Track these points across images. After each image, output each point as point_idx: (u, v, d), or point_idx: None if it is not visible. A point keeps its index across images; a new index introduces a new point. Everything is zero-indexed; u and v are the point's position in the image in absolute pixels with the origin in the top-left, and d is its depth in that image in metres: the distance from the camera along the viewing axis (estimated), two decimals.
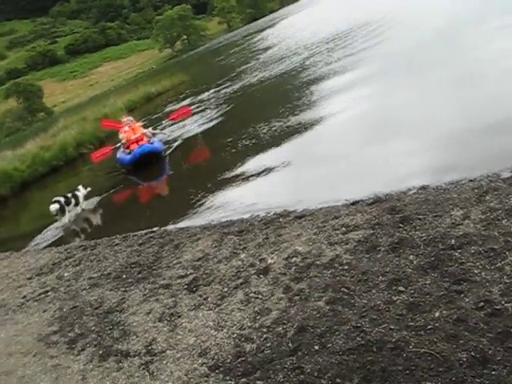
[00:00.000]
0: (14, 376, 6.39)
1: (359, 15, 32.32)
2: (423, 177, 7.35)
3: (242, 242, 7.53)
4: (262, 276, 6.26)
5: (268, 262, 6.52)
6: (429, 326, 4.30)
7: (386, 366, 4.06)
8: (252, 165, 11.81)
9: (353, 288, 5.22)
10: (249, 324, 5.41)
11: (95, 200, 15.10)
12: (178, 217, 10.42)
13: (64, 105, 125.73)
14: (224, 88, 29.20)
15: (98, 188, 15.34)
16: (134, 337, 6.17)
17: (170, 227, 9.83)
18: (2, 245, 14.28)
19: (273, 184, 10.14)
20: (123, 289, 7.64)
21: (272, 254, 6.72)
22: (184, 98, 33.14)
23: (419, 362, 3.99)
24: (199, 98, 29.82)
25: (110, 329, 6.60)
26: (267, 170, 10.87)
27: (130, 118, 19.48)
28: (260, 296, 5.83)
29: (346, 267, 5.65)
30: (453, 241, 5.32)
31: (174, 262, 7.81)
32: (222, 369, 4.92)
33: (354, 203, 7.39)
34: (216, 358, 5.11)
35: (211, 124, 20.04)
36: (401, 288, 4.92)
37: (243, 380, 4.64)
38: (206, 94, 30.13)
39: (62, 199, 14.00)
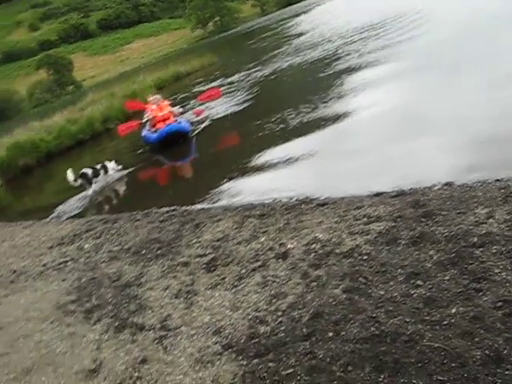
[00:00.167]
0: (31, 340, 6.50)
1: (397, 6, 31.81)
2: (449, 173, 7.28)
3: (263, 225, 7.55)
4: (280, 260, 6.28)
5: (287, 246, 6.54)
6: (444, 322, 4.29)
7: (399, 358, 4.06)
8: (278, 151, 11.75)
9: (371, 278, 5.22)
10: (264, 307, 5.44)
11: (122, 174, 15.16)
12: (201, 197, 10.45)
13: (93, 79, 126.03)
14: (254, 72, 29.05)
15: (123, 164, 15.36)
16: (150, 311, 6.24)
17: (192, 207, 9.87)
18: (26, 213, 14.45)
19: (297, 171, 10.12)
20: (142, 264, 7.72)
21: (292, 239, 6.73)
22: (213, 80, 33.04)
23: (432, 356, 3.98)
24: (229, 80, 29.71)
25: (127, 302, 6.68)
26: (292, 158, 10.81)
27: (158, 96, 19.33)
28: (277, 280, 5.86)
29: (365, 257, 5.65)
30: (475, 239, 5.28)
31: (194, 240, 7.86)
32: (234, 348, 4.95)
33: (377, 194, 7.37)
34: (230, 337, 5.15)
35: (240, 107, 19.95)
36: (419, 282, 4.90)
37: (255, 361, 4.67)
38: (236, 76, 29.99)
39: (89, 171, 14.13)
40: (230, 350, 4.96)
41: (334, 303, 5.03)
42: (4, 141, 25.16)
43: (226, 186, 10.73)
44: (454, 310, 4.38)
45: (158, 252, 7.93)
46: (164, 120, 17.50)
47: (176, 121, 17.35)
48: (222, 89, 24.15)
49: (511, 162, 7.06)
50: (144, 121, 18.49)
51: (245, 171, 11.20)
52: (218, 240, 7.56)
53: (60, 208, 13.77)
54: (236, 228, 7.79)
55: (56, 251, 9.66)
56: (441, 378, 3.77)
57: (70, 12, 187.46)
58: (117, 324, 6.21)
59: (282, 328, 4.96)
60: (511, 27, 14.95)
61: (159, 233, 8.71)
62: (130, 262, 7.97)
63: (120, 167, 15.06)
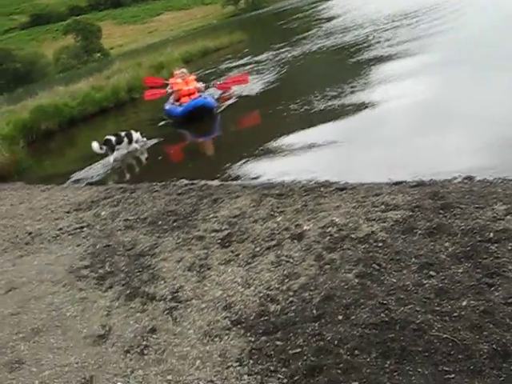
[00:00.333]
0: (42, 302, 6.58)
1: None
2: (470, 168, 7.25)
3: (281, 205, 7.57)
4: (295, 241, 6.30)
5: (303, 228, 6.55)
6: (454, 314, 4.30)
7: (406, 346, 4.08)
8: (301, 134, 11.72)
9: (384, 265, 5.24)
10: (276, 285, 5.48)
11: (145, 144, 15.19)
12: (220, 173, 10.50)
13: (121, 48, 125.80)
14: (283, 52, 28.87)
15: (146, 135, 15.39)
16: (162, 282, 6.30)
17: (211, 182, 9.88)
18: (45, 177, 14.52)
19: (318, 155, 10.07)
20: (157, 234, 7.77)
21: (308, 221, 6.74)
22: (241, 57, 32.95)
23: (440, 346, 4.00)
24: (257, 58, 29.57)
25: (140, 271, 6.74)
26: (315, 142, 10.75)
27: (184, 70, 19.25)
28: (291, 260, 5.88)
29: (380, 244, 5.66)
30: (491, 234, 5.27)
31: (211, 215, 7.89)
32: (244, 324, 5.00)
33: (396, 183, 7.36)
34: (240, 313, 5.20)
35: (266, 86, 19.86)
36: (432, 272, 4.91)
37: (263, 338, 4.71)
38: (265, 55, 29.83)
39: (113, 138, 14.18)
40: (238, 325, 5.01)
41: (345, 287, 5.06)
42: (28, 103, 25.25)
43: (247, 164, 10.74)
44: (464, 303, 4.39)
45: (174, 224, 7.98)
46: (189, 94, 17.43)
47: (201, 96, 17.26)
48: (249, 67, 24.11)
49: None
50: (169, 90, 18.47)
51: (266, 152, 11.19)
52: (234, 216, 7.60)
53: (79, 174, 13.84)
54: (253, 206, 7.82)
55: (72, 216, 9.74)
56: (446, 369, 3.79)
57: None
58: (128, 292, 6.28)
59: (293, 308, 5.00)
60: None
61: (176, 205, 8.76)
62: (145, 231, 8.03)
63: (145, 139, 15.10)
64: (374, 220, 6.27)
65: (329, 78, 17.31)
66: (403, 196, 6.75)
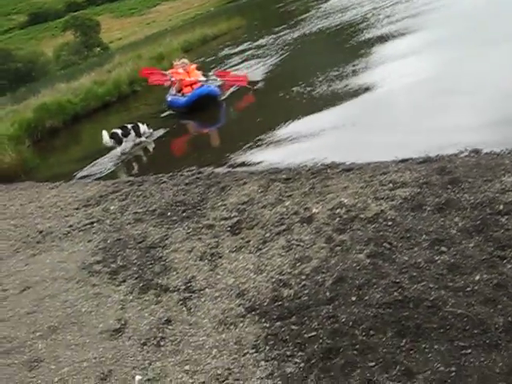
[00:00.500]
0: (57, 300, 6.62)
1: None
2: (476, 139, 7.20)
3: (288, 189, 7.57)
4: (305, 224, 6.30)
5: (312, 211, 6.55)
6: (468, 288, 4.30)
7: (421, 323, 4.09)
8: (305, 117, 11.63)
9: (395, 244, 5.23)
10: (288, 270, 5.49)
11: (151, 134, 15.17)
12: (227, 161, 10.46)
13: (120, 41, 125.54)
14: (283, 35, 28.64)
15: (151, 127, 15.37)
16: (175, 273, 6.32)
17: (218, 170, 9.88)
18: (52, 175, 14.53)
19: (323, 138, 9.97)
20: (167, 226, 7.79)
21: (317, 203, 6.74)
22: (240, 43, 32.81)
23: (455, 322, 4.01)
24: (256, 43, 29.40)
25: (152, 263, 6.77)
26: (319, 125, 10.67)
27: (185, 60, 18.99)
28: (302, 244, 5.89)
29: (389, 223, 5.66)
30: (501, 206, 5.26)
31: (219, 203, 7.90)
32: (258, 311, 5.02)
33: (403, 161, 7.31)
34: (253, 300, 5.22)
35: (268, 71, 19.68)
36: (443, 248, 4.91)
37: (278, 323, 4.73)
38: (264, 40, 29.63)
39: (119, 131, 14.17)
40: (253, 312, 5.03)
41: (357, 268, 5.06)
42: (31, 102, 25.26)
43: (253, 150, 10.68)
44: (477, 277, 4.38)
45: (183, 214, 7.99)
46: (191, 85, 17.23)
47: (203, 85, 17.13)
48: (249, 53, 23.94)
49: None
50: (170, 77, 18.38)
51: (271, 137, 11.08)
52: (243, 203, 7.60)
53: (87, 169, 13.83)
54: (261, 192, 7.81)
55: (82, 212, 9.76)
56: (462, 344, 3.80)
57: None
58: (141, 285, 6.31)
59: (306, 291, 5.01)
60: None
61: (184, 195, 8.76)
62: (155, 223, 8.04)
63: (151, 131, 15.09)
64: (382, 199, 6.26)
65: (330, 60, 17.11)
66: (410, 173, 6.72)
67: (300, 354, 4.28)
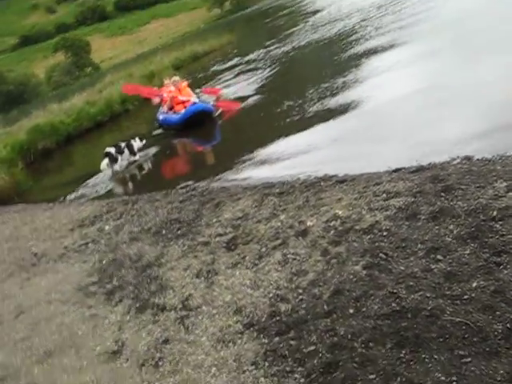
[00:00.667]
0: (53, 323, 6.58)
1: None
2: (468, 147, 7.21)
3: (282, 203, 7.54)
4: (300, 238, 6.27)
5: (307, 224, 6.52)
6: (465, 296, 4.27)
7: (420, 333, 4.05)
8: (297, 132, 11.50)
9: (391, 254, 5.20)
10: (285, 284, 5.45)
11: (147, 154, 15.17)
12: (221, 176, 10.46)
13: (111, 61, 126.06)
14: (272, 50, 28.77)
15: (145, 145, 15.39)
16: (171, 291, 6.28)
17: (212, 186, 9.88)
18: (46, 196, 14.54)
19: (316, 151, 9.92)
20: (162, 244, 7.76)
21: (311, 216, 6.71)
22: (231, 59, 32.95)
23: (454, 330, 3.97)
24: (246, 58, 29.54)
25: (148, 282, 6.73)
26: (312, 139, 10.69)
27: (177, 77, 18.89)
28: (298, 257, 5.86)
29: (385, 233, 5.63)
30: (495, 212, 5.23)
31: (214, 220, 7.87)
32: (256, 327, 4.98)
33: (396, 170, 7.30)
34: (251, 316, 5.17)
35: (259, 86, 19.63)
36: (439, 256, 4.88)
37: (277, 339, 4.69)
38: (254, 54, 29.74)
39: (112, 150, 14.15)
40: (251, 328, 4.99)
41: (354, 280, 5.03)
42: (23, 124, 25.39)
43: (246, 166, 10.68)
44: (474, 284, 4.35)
45: (179, 232, 7.96)
46: (183, 102, 17.15)
47: (195, 102, 16.98)
48: (239, 68, 23.99)
49: None
50: (157, 102, 18.38)
51: (265, 152, 11.05)
52: (237, 219, 7.57)
53: (80, 189, 13.88)
54: (256, 206, 7.79)
55: (77, 233, 9.74)
56: (462, 353, 3.76)
57: None
58: (138, 305, 6.27)
59: (303, 305, 4.97)
60: None
61: (179, 213, 8.74)
62: (150, 242, 8.01)
63: (144, 142, 15.10)
64: (376, 209, 6.23)
65: (320, 73, 17.06)
66: (404, 182, 6.71)
67: (300, 369, 4.24)
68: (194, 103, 16.75)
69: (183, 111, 16.53)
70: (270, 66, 23.32)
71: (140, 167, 14.49)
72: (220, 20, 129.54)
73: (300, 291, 5.21)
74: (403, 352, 3.96)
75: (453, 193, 5.93)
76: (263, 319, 5.03)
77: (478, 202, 5.55)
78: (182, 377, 4.74)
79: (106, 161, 13.92)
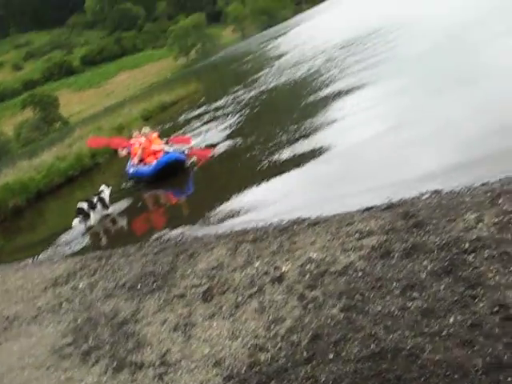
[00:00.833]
0: None
1: (369, 22, 31.94)
2: (436, 181, 7.28)
3: (257, 250, 7.51)
4: (276, 284, 6.24)
5: (282, 269, 6.50)
6: (443, 332, 4.26)
7: (401, 374, 4.02)
8: (269, 178, 11.46)
9: (367, 295, 5.19)
10: (263, 333, 5.39)
11: (116, 207, 15.06)
12: (194, 226, 10.39)
13: (80, 115, 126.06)
14: (240, 95, 29.05)
15: (116, 197, 15.30)
16: (149, 348, 6.17)
17: (185, 236, 9.82)
18: (17, 256, 14.35)
19: (288, 196, 9.88)
20: (138, 299, 7.65)
21: (286, 261, 6.69)
22: (199, 106, 33.12)
23: (434, 369, 3.95)
24: (215, 105, 29.75)
25: (125, 340, 6.62)
26: (283, 184, 10.77)
27: (147, 128, 18.61)
28: (274, 304, 5.81)
29: (360, 274, 5.62)
30: (466, 245, 5.28)
31: (189, 271, 7.80)
32: (236, 379, 4.90)
33: (367, 209, 7.35)
34: (230, 368, 5.09)
35: (228, 133, 19.61)
36: (415, 294, 4.88)
37: None
38: (222, 101, 29.98)
39: (85, 205, 14.02)
40: (231, 381, 4.91)
41: (332, 323, 4.99)
42: None
43: (218, 215, 10.59)
44: (451, 320, 4.35)
45: (154, 285, 7.87)
46: (155, 153, 16.95)
47: (168, 152, 16.72)
48: (207, 116, 24.09)
49: (494, 164, 7.11)
50: (124, 154, 18.27)
51: (236, 200, 10.99)
52: (212, 268, 7.51)
53: (53, 247, 13.69)
54: (230, 255, 7.75)
55: (50, 293, 9.58)
56: None
57: (52, 50, 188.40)
58: (115, 364, 6.14)
59: (282, 354, 4.92)
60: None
61: (154, 265, 8.66)
62: (125, 298, 7.90)
63: (111, 187, 14.98)
64: (350, 250, 6.23)
65: (289, 117, 16.91)
66: (376, 221, 6.73)
67: None
68: (167, 153, 16.57)
69: (155, 162, 16.31)
70: (238, 112, 23.41)
71: (113, 221, 14.35)
72: (187, 69, 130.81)
73: (278, 339, 5.16)
74: None
75: (424, 228, 5.98)
76: (243, 371, 4.96)
77: (449, 235, 5.59)
78: None
79: (78, 218, 13.80)
